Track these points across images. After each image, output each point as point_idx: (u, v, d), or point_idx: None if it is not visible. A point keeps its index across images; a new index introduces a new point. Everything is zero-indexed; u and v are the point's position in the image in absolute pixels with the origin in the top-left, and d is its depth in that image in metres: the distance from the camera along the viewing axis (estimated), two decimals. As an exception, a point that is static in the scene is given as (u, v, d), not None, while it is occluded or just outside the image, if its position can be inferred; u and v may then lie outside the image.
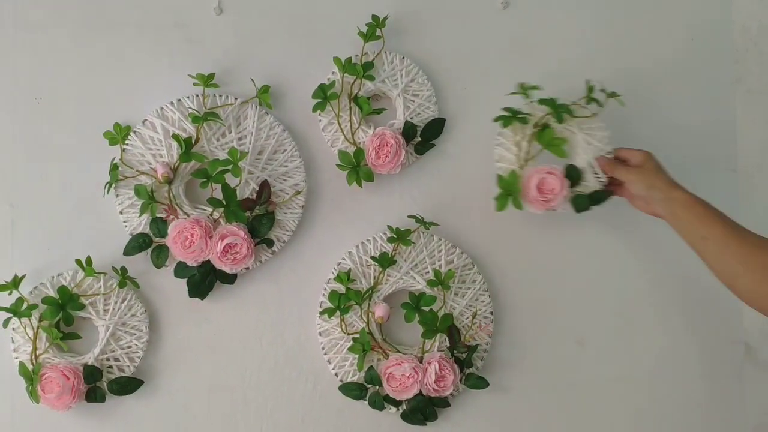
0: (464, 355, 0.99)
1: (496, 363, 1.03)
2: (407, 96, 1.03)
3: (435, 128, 1.03)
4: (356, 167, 0.99)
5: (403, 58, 1.03)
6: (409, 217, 1.00)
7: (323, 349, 0.99)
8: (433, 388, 0.96)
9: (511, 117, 0.93)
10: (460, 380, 0.99)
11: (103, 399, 0.94)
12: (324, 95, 0.98)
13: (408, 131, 1.01)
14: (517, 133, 0.96)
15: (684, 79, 1.10)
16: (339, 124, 1.00)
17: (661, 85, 1.09)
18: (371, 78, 1.00)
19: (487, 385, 0.99)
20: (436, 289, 0.99)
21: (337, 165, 0.99)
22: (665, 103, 1.09)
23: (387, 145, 0.98)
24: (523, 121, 0.94)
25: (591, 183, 0.96)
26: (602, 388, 1.05)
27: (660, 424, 1.06)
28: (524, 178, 0.95)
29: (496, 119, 0.94)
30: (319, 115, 1.01)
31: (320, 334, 1.00)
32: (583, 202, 0.96)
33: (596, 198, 0.96)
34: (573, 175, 0.96)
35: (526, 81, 1.01)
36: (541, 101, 0.94)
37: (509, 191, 0.95)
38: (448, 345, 0.99)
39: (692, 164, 1.08)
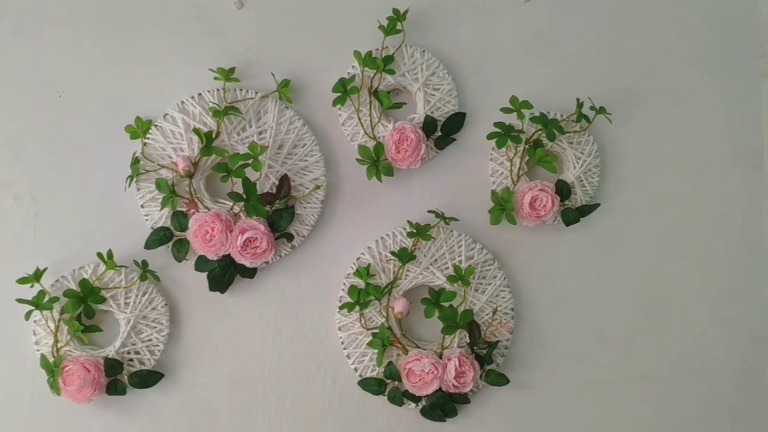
0: (484, 352, 0.98)
1: (517, 360, 1.02)
2: (427, 90, 1.02)
3: (455, 123, 1.02)
4: (376, 162, 0.98)
5: (424, 51, 1.02)
6: (429, 212, 0.99)
7: (342, 343, 0.99)
8: (452, 384, 0.95)
9: (504, 136, 0.96)
10: (480, 377, 0.98)
11: (123, 392, 0.94)
12: (344, 89, 0.98)
13: (428, 125, 1.01)
14: (511, 150, 0.99)
15: (709, 75, 1.08)
16: (359, 118, 1.00)
17: (685, 81, 1.08)
18: (391, 72, 0.99)
19: (508, 381, 0.98)
20: (456, 284, 0.98)
21: (357, 159, 0.98)
22: (690, 99, 1.08)
23: (407, 140, 0.97)
24: (516, 140, 0.96)
25: (579, 196, 1.00)
26: (624, 386, 1.04)
27: (684, 424, 1.05)
28: (517, 194, 0.98)
29: (490, 137, 0.96)
30: (339, 109, 1.01)
31: (339, 328, 0.99)
32: (572, 216, 1.01)
33: (584, 210, 1.01)
34: (563, 190, 1.00)
35: (547, 76, 1.03)
36: (533, 119, 0.97)
37: (503, 206, 0.97)
38: (468, 341, 0.98)
39: (717, 161, 1.08)
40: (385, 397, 0.98)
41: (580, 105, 1.01)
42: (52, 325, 0.93)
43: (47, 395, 0.93)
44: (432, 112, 1.01)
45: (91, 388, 0.91)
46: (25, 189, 0.97)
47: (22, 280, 0.91)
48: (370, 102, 1.00)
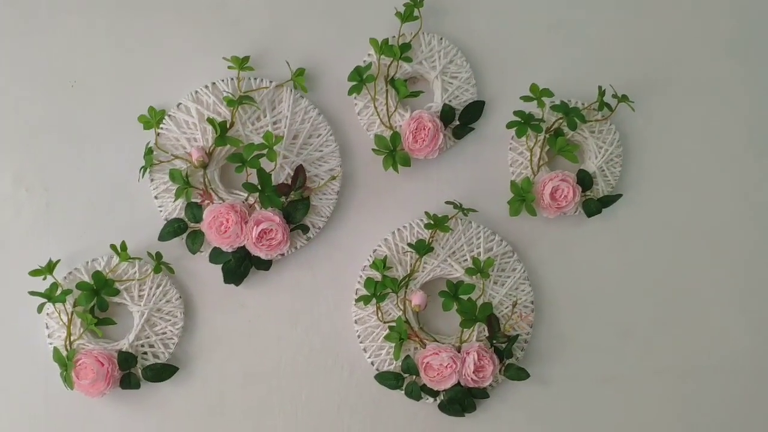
0: (504, 346, 0.96)
1: (537, 354, 1.00)
2: (445, 78, 1.00)
3: (474, 111, 1.00)
4: (393, 152, 0.96)
5: (441, 39, 1.00)
6: (447, 203, 0.97)
7: (359, 337, 0.97)
8: (471, 379, 0.93)
9: (525, 125, 0.94)
10: (500, 371, 0.96)
11: (137, 386, 0.93)
12: (360, 78, 0.96)
13: (446, 114, 0.98)
14: (531, 139, 0.96)
15: (733, 63, 1.05)
16: (375, 107, 0.98)
17: (709, 69, 1.05)
18: (408, 60, 0.97)
19: (528, 376, 0.96)
20: (474, 277, 0.96)
21: (373, 149, 0.96)
22: (714, 87, 1.05)
23: (424, 129, 0.95)
24: (537, 129, 0.94)
25: (601, 187, 0.98)
26: (646, 381, 1.01)
27: (707, 420, 1.02)
28: (537, 184, 0.96)
29: (510, 126, 0.94)
30: (355, 98, 0.99)
31: (356, 321, 0.97)
32: (593, 207, 0.98)
33: (606, 201, 0.98)
34: (584, 180, 0.98)
35: (568, 64, 1.00)
36: (554, 107, 0.95)
37: (523, 197, 0.95)
38: (487, 335, 0.96)
39: (742, 151, 1.05)
40: (403, 392, 0.96)
41: (602, 93, 0.98)
42: (65, 318, 0.92)
43: (60, 389, 0.92)
44: (450, 101, 0.99)
45: (104, 381, 0.90)
46: (38, 180, 0.96)
47: (35, 272, 0.90)
48: (387, 91, 0.98)
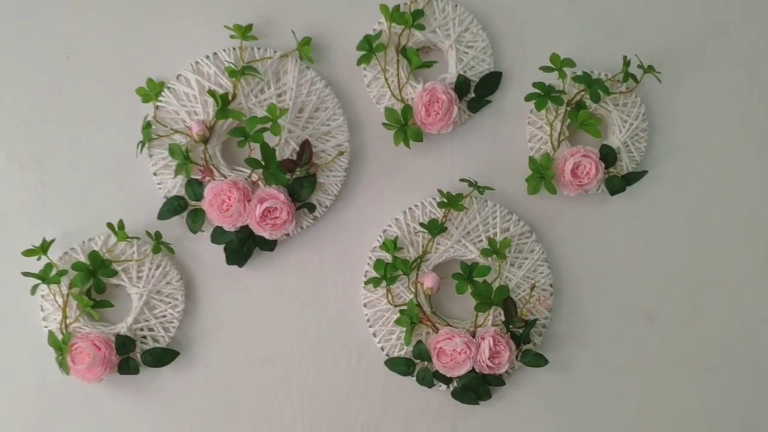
0: (521, 331, 0.92)
1: (556, 339, 0.96)
2: (460, 47, 0.95)
3: (490, 83, 0.96)
4: (404, 126, 0.92)
5: (456, 5, 0.96)
6: (461, 180, 0.94)
7: (368, 321, 0.94)
8: (486, 365, 0.90)
9: (545, 97, 0.91)
10: (516, 357, 0.93)
11: (136, 371, 0.90)
12: (369, 47, 0.92)
13: (461, 86, 0.94)
14: (550, 112, 0.93)
15: (768, 30, 1.00)
16: (385, 78, 0.94)
17: (742, 37, 1.00)
18: (421, 27, 0.93)
19: (546, 362, 0.92)
20: (490, 258, 0.92)
21: (383, 124, 0.93)
22: (747, 57, 1.00)
23: (438, 101, 0.91)
24: (557, 102, 0.90)
25: (625, 163, 0.95)
26: (671, 369, 0.97)
27: (733, 411, 0.98)
28: (558, 160, 0.93)
29: (529, 98, 0.91)
30: (364, 69, 0.95)
31: (365, 305, 0.94)
32: (617, 184, 0.95)
33: (631, 178, 0.95)
34: (608, 156, 0.94)
35: (589, 34, 0.97)
36: (576, 78, 0.92)
37: (542, 174, 0.91)
38: (503, 319, 0.92)
39: (778, 122, 0.99)
40: (414, 378, 0.93)
41: (626, 63, 0.94)
42: (60, 300, 0.89)
43: (56, 374, 0.89)
44: (465, 72, 0.95)
45: (101, 366, 0.87)
46: (32, 156, 0.93)
47: (28, 252, 0.87)
48: (398, 61, 0.94)
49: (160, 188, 0.93)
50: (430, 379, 0.92)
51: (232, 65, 0.91)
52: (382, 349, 0.94)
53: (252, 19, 0.94)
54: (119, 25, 0.94)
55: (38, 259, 0.87)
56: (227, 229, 0.90)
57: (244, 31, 0.91)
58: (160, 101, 0.92)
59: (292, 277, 0.95)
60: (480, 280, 0.91)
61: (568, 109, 0.94)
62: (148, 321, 0.91)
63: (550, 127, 0.95)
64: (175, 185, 0.92)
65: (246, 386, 0.94)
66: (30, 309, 0.91)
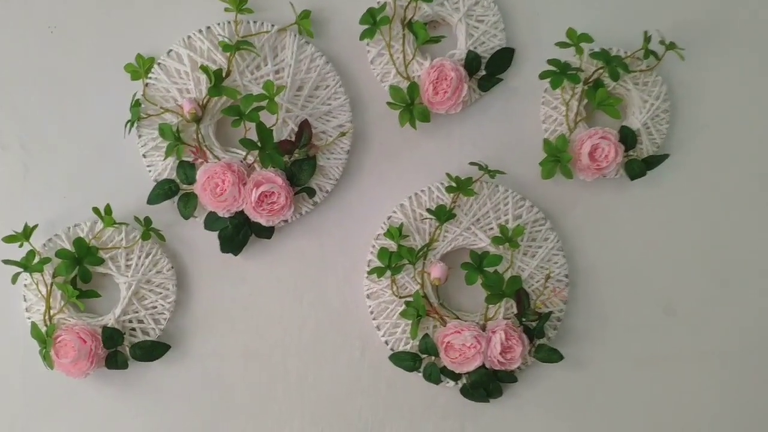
0: (534, 324, 0.89)
1: (571, 333, 0.93)
2: (470, 22, 0.91)
3: (502, 60, 0.92)
4: (410, 105, 0.89)
5: (466, -24, 0.92)
6: (471, 164, 0.90)
7: (372, 313, 0.90)
8: (498, 361, 0.86)
9: (560, 75, 0.87)
10: (529, 352, 0.89)
11: (125, 365, 0.87)
12: (373, 21, 0.88)
13: (471, 63, 0.90)
14: (566, 91, 0.91)
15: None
16: (390, 54, 0.90)
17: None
18: (428, 0, 0.89)
19: (561, 358, 0.89)
20: (501, 247, 0.89)
21: (388, 103, 0.89)
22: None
23: (446, 79, 0.87)
24: (574, 80, 0.87)
25: (646, 146, 0.92)
26: (692, 363, 0.94)
27: (756, 405, 0.95)
28: (574, 142, 0.90)
29: (543, 76, 0.88)
30: (368, 44, 0.91)
31: (368, 296, 0.90)
32: (637, 168, 0.92)
33: (651, 162, 0.92)
34: (627, 138, 0.91)
35: (607, 7, 0.93)
36: (594, 55, 0.89)
37: (557, 157, 0.88)
38: (516, 312, 0.89)
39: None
40: (420, 374, 0.90)
41: (647, 39, 0.90)
42: (43, 290, 0.85)
43: (40, 368, 0.86)
44: (475, 48, 0.91)
45: (87, 360, 0.83)
46: (13, 137, 0.90)
47: (9, 239, 0.84)
48: (404, 35, 0.90)
49: (149, 171, 0.89)
50: (437, 375, 0.89)
51: (226, 40, 0.88)
52: (387, 343, 0.90)
53: (248, -10, 0.90)
54: (107, -4, 0.91)
55: (20, 245, 0.84)
56: (221, 215, 0.87)
57: (239, 4, 0.87)
58: (150, 78, 0.89)
59: (290, 267, 0.92)
60: (491, 270, 0.87)
61: (585, 87, 0.91)
62: (137, 312, 0.88)
63: (565, 107, 0.92)
64: (165, 168, 0.89)
65: (242, 382, 0.91)
66: (12, 299, 0.88)
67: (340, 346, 0.91)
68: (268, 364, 0.91)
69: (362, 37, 0.89)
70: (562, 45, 0.89)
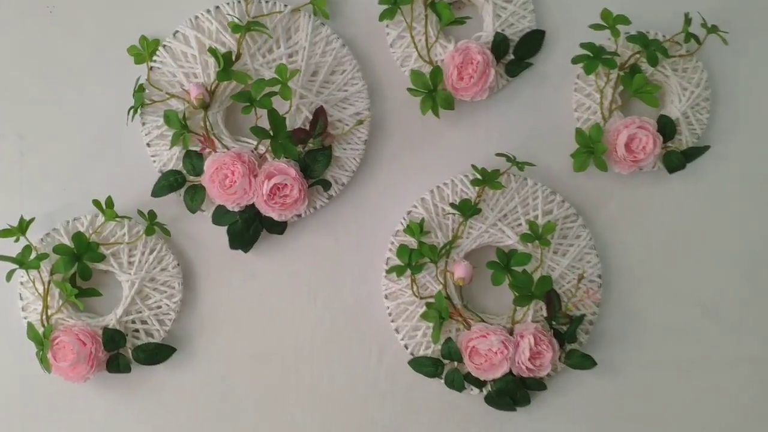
0: (565, 328, 0.84)
1: (604, 337, 0.89)
2: (497, 2, 0.88)
3: (532, 43, 0.89)
4: (432, 92, 0.85)
5: (494, -48, 0.88)
6: (498, 155, 0.86)
7: (390, 315, 0.86)
8: (526, 367, 0.82)
9: (595, 60, 0.84)
10: (559, 358, 0.85)
11: (127, 369, 0.83)
12: (393, 0, 0.85)
13: (498, 46, 0.87)
14: (601, 77, 0.88)
15: None
16: (412, 36, 0.87)
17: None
18: None
19: (594, 364, 0.85)
20: (530, 245, 0.85)
21: (409, 89, 0.86)
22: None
23: (472, 63, 0.84)
24: (610, 65, 0.84)
25: (685, 137, 0.89)
26: (732, 368, 0.90)
27: None
28: (609, 132, 0.87)
29: (576, 61, 0.85)
30: (387, 26, 0.88)
31: (386, 296, 0.87)
32: (676, 160, 0.88)
33: (691, 154, 0.89)
34: (666, 128, 0.87)
35: None
36: (630, 38, 0.86)
37: (591, 148, 0.85)
38: (546, 315, 0.85)
39: None
40: (442, 380, 0.86)
41: (688, 22, 0.86)
42: (40, 288, 0.82)
43: (38, 371, 0.83)
44: (503, 30, 0.88)
45: (87, 364, 0.80)
46: (10, 124, 0.87)
47: (5, 233, 0.80)
48: (426, 16, 0.86)
49: (154, 161, 0.86)
50: (460, 381, 0.85)
51: (236, 20, 0.84)
52: (406, 347, 0.87)
53: (259, -33, 0.87)
54: (109, -25, 0.89)
55: (16, 240, 0.81)
56: (231, 209, 0.84)
57: (251, -18, 0.84)
58: (155, 62, 0.86)
59: (303, 264, 0.89)
60: (519, 269, 0.83)
61: (621, 73, 0.87)
62: (140, 312, 0.85)
63: (600, 95, 0.88)
64: (171, 158, 0.86)
65: (251, 386, 0.88)
66: (8, 297, 0.85)
67: (355, 350, 0.88)
68: (280, 367, 0.88)
69: (381, 17, 0.85)
70: (596, 27, 0.85)
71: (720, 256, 0.91)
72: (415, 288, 0.85)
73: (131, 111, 0.84)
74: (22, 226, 0.80)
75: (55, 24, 0.87)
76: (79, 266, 0.81)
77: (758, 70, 0.91)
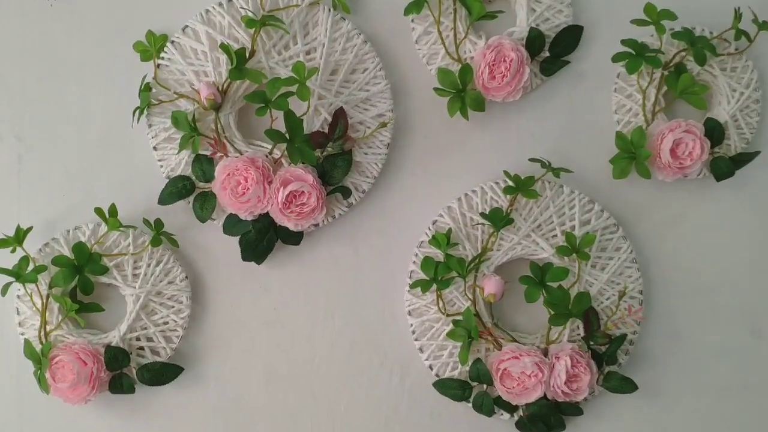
0: (604, 348, 0.80)
1: (645, 357, 0.85)
2: None
3: (569, 39, 0.86)
4: (461, 92, 0.82)
5: (528, -58, 0.85)
6: (531, 160, 0.83)
7: (414, 333, 0.83)
8: (562, 391, 0.78)
9: (638, 58, 0.81)
10: (597, 381, 0.81)
11: (131, 390, 0.80)
12: None
13: (533, 42, 0.84)
14: (643, 77, 0.85)
15: None
16: (439, 32, 0.83)
17: None
18: None
19: (635, 388, 0.81)
20: (567, 258, 0.81)
21: (436, 89, 0.82)
22: None
23: (505, 61, 0.80)
24: (654, 64, 0.80)
25: (734, 141, 0.86)
26: None
27: None
28: (652, 137, 0.83)
29: (617, 59, 0.81)
30: (413, 20, 0.85)
31: (410, 313, 0.83)
32: (724, 167, 0.84)
33: (740, 160, 0.85)
34: (714, 132, 0.84)
35: None
36: (676, 35, 0.83)
37: (632, 154, 0.82)
38: (583, 334, 0.80)
39: None
40: (470, 404, 0.82)
41: (738, 17, 0.83)
42: (38, 302, 0.78)
43: (36, 391, 0.79)
44: (537, 25, 0.84)
45: (87, 385, 0.76)
46: (7, 125, 0.85)
47: (1, 243, 0.78)
48: (455, 10, 0.82)
49: (161, 166, 0.84)
50: (490, 406, 0.81)
51: (250, 14, 0.81)
52: (431, 367, 0.83)
53: (275, -43, 0.85)
54: (114, -34, 0.86)
55: (12, 251, 0.79)
56: (243, 218, 0.82)
57: (266, -27, 0.81)
58: (162, 59, 0.83)
59: (321, 277, 0.86)
60: (555, 285, 0.79)
61: (665, 73, 0.83)
62: (146, 329, 0.82)
63: (642, 96, 0.84)
64: (179, 162, 0.83)
65: (264, 409, 0.85)
66: (4, 312, 0.82)
67: (376, 371, 0.85)
68: (295, 388, 0.85)
69: (407, 12, 0.82)
70: (639, 23, 0.81)
71: (771, 272, 0.87)
72: (441, 304, 0.81)
73: (137, 112, 0.81)
74: (19, 236, 0.78)
75: (55, 18, 0.85)
76: (79, 279, 0.79)
77: None
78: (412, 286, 0.81)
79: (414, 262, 0.83)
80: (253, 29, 0.80)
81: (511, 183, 0.80)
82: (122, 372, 0.80)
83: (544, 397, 0.79)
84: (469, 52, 0.83)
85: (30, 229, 0.79)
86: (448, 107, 0.82)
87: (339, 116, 0.82)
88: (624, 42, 0.81)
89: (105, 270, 0.79)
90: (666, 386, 0.85)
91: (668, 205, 0.86)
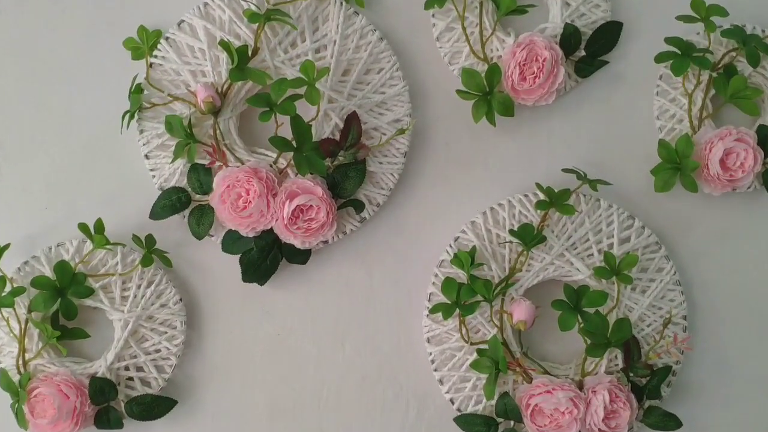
0: (645, 381, 0.74)
1: (689, 391, 0.80)
2: None
3: (607, 37, 0.82)
4: (488, 94, 0.78)
5: (562, -71, 0.80)
6: (565, 170, 0.78)
7: (433, 362, 0.77)
8: (599, 429, 0.72)
9: (684, 58, 0.76)
10: (636, 417, 0.75)
11: (119, 425, 0.75)
12: None
13: (568, 40, 0.80)
14: (689, 79, 0.81)
15: None
16: (463, 28, 0.79)
17: None
18: None
19: (680, 425, 0.75)
20: (605, 281, 0.75)
21: (459, 92, 0.78)
22: None
23: (537, 60, 0.76)
24: (703, 64, 0.76)
25: None
26: None
27: None
28: (699, 146, 0.78)
29: (660, 59, 0.77)
30: (433, 15, 0.81)
31: (429, 341, 0.78)
32: None
33: None
34: (767, 141, 0.79)
35: None
36: (725, 33, 0.79)
37: (677, 164, 0.77)
38: (622, 365, 0.74)
39: None
40: None
41: None
42: (16, 328, 0.73)
43: (13, 426, 0.74)
44: (572, 21, 0.80)
45: (70, 421, 0.70)
46: None
47: None
48: (481, 4, 0.78)
49: (153, 176, 0.80)
50: None
51: (253, 8, 0.77)
52: (452, 401, 0.77)
53: (281, -55, 0.79)
54: (104, -45, 0.81)
55: None
56: (244, 235, 0.78)
57: (271, -38, 0.76)
58: (156, 57, 0.80)
59: (330, 301, 0.82)
60: (592, 310, 0.73)
61: (714, 75, 0.78)
62: (135, 357, 0.77)
63: (688, 100, 0.79)
64: (173, 173, 0.80)
65: None
66: None
67: (391, 403, 0.80)
68: (300, 424, 0.80)
69: (427, 5, 0.78)
70: (686, 19, 0.76)
71: (826, 294, 0.82)
72: (464, 331, 0.76)
73: (127, 116, 0.77)
74: (-5, 254, 0.72)
75: (38, 12, 0.81)
76: (62, 302, 0.74)
77: None
78: (432, 310, 0.75)
79: (434, 283, 0.79)
80: (257, 24, 0.76)
81: (543, 196, 0.74)
82: (109, 405, 0.75)
83: (579, 434, 0.73)
84: (497, 51, 0.79)
85: (7, 246, 0.75)
86: (472, 112, 0.78)
87: (351, 122, 0.78)
88: (668, 40, 0.77)
89: (90, 292, 0.75)
90: (711, 422, 0.81)
91: (716, 221, 0.82)
